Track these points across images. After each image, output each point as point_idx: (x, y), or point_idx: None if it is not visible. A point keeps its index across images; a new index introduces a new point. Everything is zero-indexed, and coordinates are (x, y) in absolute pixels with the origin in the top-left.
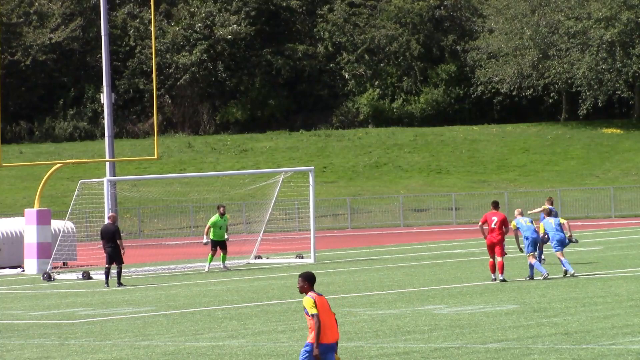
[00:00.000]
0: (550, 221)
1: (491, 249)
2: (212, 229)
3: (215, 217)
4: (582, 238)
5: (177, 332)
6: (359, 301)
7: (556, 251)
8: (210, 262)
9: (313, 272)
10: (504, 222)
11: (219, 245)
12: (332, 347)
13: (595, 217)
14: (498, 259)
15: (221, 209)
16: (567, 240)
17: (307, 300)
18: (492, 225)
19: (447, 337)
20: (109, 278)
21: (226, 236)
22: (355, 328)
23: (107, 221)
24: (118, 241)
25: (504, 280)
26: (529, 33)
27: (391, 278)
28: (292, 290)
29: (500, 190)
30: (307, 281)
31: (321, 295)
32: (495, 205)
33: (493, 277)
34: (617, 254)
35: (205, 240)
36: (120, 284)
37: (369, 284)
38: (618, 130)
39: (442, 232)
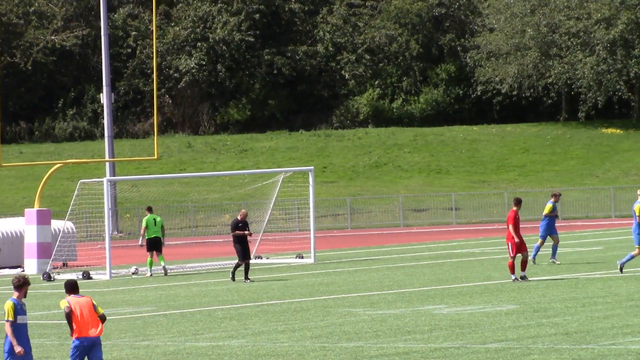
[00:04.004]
0: None
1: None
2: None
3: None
4: (582, 238)
5: (177, 332)
6: (359, 301)
7: None
8: (151, 266)
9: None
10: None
11: (154, 247)
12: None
13: (595, 217)
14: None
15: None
16: None
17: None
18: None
19: (447, 337)
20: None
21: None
22: (355, 328)
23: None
24: (246, 232)
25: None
26: (530, 32)
27: (391, 278)
28: (292, 291)
29: (500, 190)
30: (65, 288)
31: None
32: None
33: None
34: (617, 254)
35: (140, 242)
36: (247, 278)
37: (369, 284)
38: (618, 131)
39: (442, 232)
